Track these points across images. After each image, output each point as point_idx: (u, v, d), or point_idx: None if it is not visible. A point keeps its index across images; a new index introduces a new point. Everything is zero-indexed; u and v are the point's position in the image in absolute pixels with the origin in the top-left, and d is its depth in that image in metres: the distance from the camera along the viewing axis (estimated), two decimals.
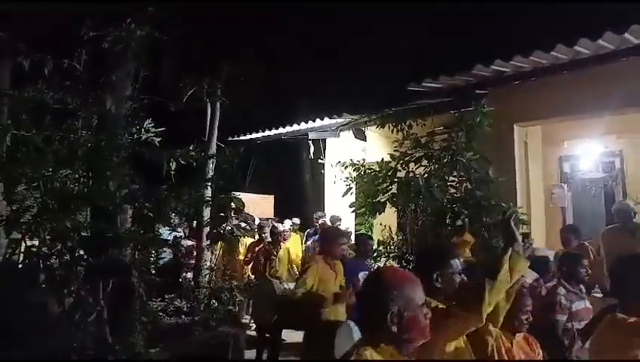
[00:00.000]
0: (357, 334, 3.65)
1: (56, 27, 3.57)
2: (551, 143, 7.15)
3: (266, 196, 9.15)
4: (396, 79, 6.27)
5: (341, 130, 7.93)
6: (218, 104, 7.18)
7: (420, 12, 6.27)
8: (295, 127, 7.88)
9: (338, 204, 8.72)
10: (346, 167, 6.99)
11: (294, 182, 10.10)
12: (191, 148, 6.83)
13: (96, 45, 3.66)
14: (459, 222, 4.81)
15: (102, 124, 4.08)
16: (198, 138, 7.13)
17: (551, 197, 7.64)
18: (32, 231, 4.08)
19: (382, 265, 5.70)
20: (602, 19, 4.08)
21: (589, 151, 8.19)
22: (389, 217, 6.87)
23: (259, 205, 8.57)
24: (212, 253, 6.61)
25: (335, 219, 7.98)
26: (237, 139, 8.32)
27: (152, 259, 5.21)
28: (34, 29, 3.51)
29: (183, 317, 6.07)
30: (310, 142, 8.54)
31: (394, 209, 6.36)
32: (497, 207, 5.20)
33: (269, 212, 9.14)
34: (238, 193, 5.90)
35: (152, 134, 5.86)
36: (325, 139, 8.70)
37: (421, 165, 5.65)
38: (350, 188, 6.73)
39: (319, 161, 8.75)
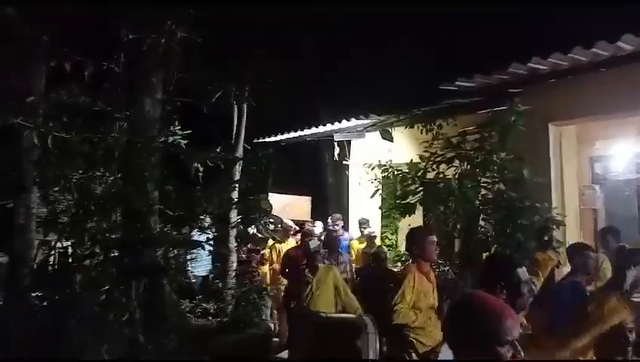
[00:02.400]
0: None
1: (95, 28, 3.60)
2: (582, 143, 6.97)
3: (302, 197, 8.99)
4: (426, 78, 6.17)
5: (367, 131, 7.85)
6: (245, 106, 7.18)
7: (453, 9, 6.16)
8: (321, 128, 7.84)
9: (363, 207, 8.66)
10: (373, 168, 6.92)
11: (319, 184, 10.06)
12: (218, 150, 6.88)
13: (134, 47, 3.68)
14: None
15: (138, 126, 4.11)
16: (226, 140, 7.15)
17: (582, 198, 7.45)
18: (67, 232, 4.13)
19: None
20: None
21: (622, 151, 7.97)
22: (414, 220, 6.77)
23: (295, 207, 8.44)
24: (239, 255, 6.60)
25: (336, 218, 7.60)
26: (262, 141, 8.33)
27: (182, 259, 5.24)
28: (71, 30, 3.55)
29: (210, 318, 6.08)
30: (335, 143, 8.49)
31: (420, 211, 6.25)
32: (532, 208, 5.07)
33: (306, 214, 8.93)
34: (271, 194, 5.88)
35: (179, 137, 5.92)
36: (350, 141, 8.65)
37: (452, 166, 5.55)
38: (378, 190, 6.65)
39: (344, 162, 8.69)
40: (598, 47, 4.34)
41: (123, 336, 4.02)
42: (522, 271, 2.19)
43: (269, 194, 7.69)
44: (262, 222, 5.73)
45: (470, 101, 5.90)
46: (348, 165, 8.69)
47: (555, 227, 5.11)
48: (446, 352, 3.52)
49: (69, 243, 4.29)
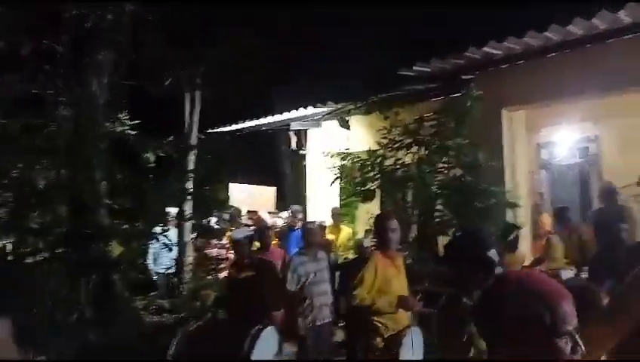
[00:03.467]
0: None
1: (34, 2, 3.28)
2: (530, 130, 7.22)
3: (267, 188, 8.75)
4: (382, 65, 6.16)
5: (324, 120, 7.79)
6: (198, 94, 6.93)
7: None
8: (277, 117, 7.69)
9: (320, 196, 8.61)
10: (332, 156, 6.86)
11: (279, 174, 9.89)
12: (171, 139, 6.58)
13: (78, 25, 3.38)
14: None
15: (84, 112, 3.81)
16: (178, 129, 6.88)
17: (530, 182, 7.75)
18: (8, 227, 3.80)
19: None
20: None
21: (565, 137, 8.38)
22: (371, 208, 6.79)
23: (259, 197, 8.21)
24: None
25: (297, 211, 7.29)
26: (217, 130, 8.07)
27: (135, 254, 4.99)
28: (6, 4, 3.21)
29: (166, 315, 5.84)
30: (291, 132, 8.36)
31: (378, 198, 6.26)
32: (487, 191, 5.19)
33: (271, 205, 8.69)
34: (233, 185, 5.67)
35: (128, 127, 5.61)
36: (307, 130, 8.55)
37: (410, 152, 5.59)
38: (338, 178, 6.61)
39: (301, 151, 8.58)
40: (550, 31, 4.47)
41: (73, 336, 3.77)
42: (493, 253, 2.18)
43: (231, 184, 7.47)
44: (218, 213, 5.54)
45: (427, 87, 5.96)
46: (305, 154, 8.60)
47: (509, 210, 5.28)
48: (412, 336, 3.54)
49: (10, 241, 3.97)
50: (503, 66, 5.36)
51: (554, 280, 1.27)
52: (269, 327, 3.74)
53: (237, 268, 4.18)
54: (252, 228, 5.85)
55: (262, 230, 5.37)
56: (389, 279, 3.57)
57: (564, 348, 1.13)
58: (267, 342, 3.67)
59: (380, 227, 3.71)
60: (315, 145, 8.53)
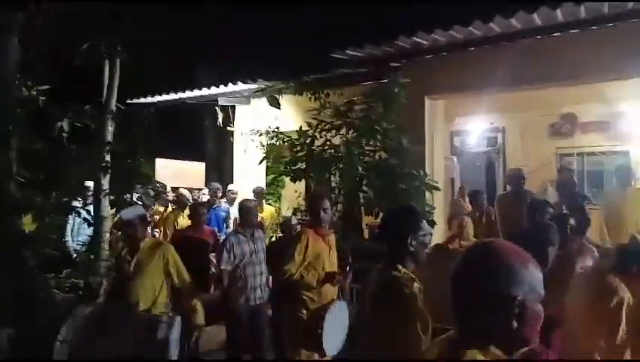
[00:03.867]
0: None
1: None
2: (445, 118, 7.74)
3: (196, 163, 8.46)
4: (314, 47, 6.22)
5: (253, 97, 7.70)
6: (118, 62, 6.49)
7: None
8: (204, 91, 7.45)
9: (247, 174, 8.54)
10: (261, 135, 6.84)
11: (203, 150, 9.61)
12: (87, 107, 6.13)
13: None
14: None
15: None
16: (96, 98, 6.42)
17: (444, 168, 8.33)
18: None
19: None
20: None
21: (476, 127, 9.10)
22: (297, 186, 6.89)
23: (187, 173, 7.92)
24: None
25: (216, 189, 7.32)
26: (137, 101, 7.62)
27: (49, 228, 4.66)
28: None
29: (81, 293, 5.53)
30: (218, 108, 8.15)
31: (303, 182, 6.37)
32: (410, 175, 5.52)
33: (200, 181, 8.42)
34: (159, 159, 5.42)
35: (35, 92, 5.16)
36: (234, 106, 8.39)
37: (339, 134, 5.75)
38: (266, 157, 6.61)
39: (228, 128, 8.42)
40: (473, 26, 4.81)
41: None
42: (425, 224, 2.36)
43: (158, 159, 7.15)
44: (142, 188, 5.30)
45: (357, 72, 6.12)
46: (232, 131, 8.45)
47: (428, 192, 5.65)
48: (336, 309, 3.70)
49: None
50: (429, 56, 5.67)
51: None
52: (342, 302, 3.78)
53: (130, 251, 3.68)
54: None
55: (194, 207, 5.23)
56: (318, 255, 3.72)
57: (541, 312, 1.20)
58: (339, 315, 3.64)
59: (314, 205, 3.84)
60: (242, 122, 8.42)
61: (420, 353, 1.92)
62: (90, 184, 5.41)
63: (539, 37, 4.92)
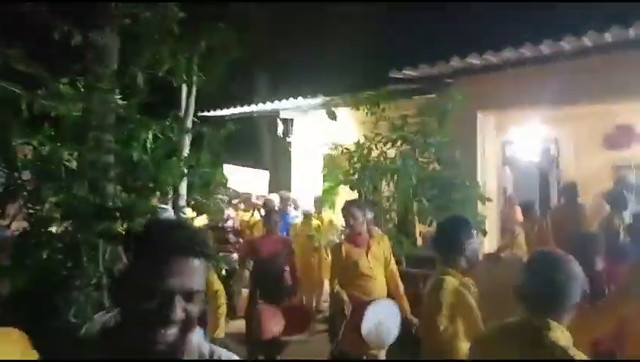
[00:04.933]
0: None
1: None
2: (497, 129, 7.95)
3: (261, 171, 9.04)
4: (370, 63, 6.67)
5: (314, 110, 8.25)
6: (194, 78, 7.21)
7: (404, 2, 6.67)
8: (269, 105, 8.09)
9: (304, 182, 9.09)
10: (320, 146, 7.34)
11: (264, 159, 10.28)
12: (168, 121, 6.90)
13: None
14: None
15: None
16: (173, 111, 7.16)
17: (497, 178, 8.50)
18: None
19: None
20: (566, 22, 4.76)
21: (529, 137, 9.17)
22: (350, 195, 7.33)
23: (253, 181, 8.51)
24: None
25: (286, 197, 7.73)
26: (207, 114, 8.36)
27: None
28: None
29: None
30: (279, 120, 8.77)
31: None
32: (463, 186, 5.84)
33: (264, 188, 8.95)
34: (228, 166, 5.96)
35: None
36: (293, 118, 8.98)
37: (395, 146, 6.15)
38: (325, 167, 7.11)
39: (287, 139, 9.02)
40: (524, 48, 5.11)
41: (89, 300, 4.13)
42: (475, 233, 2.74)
43: (226, 165, 7.77)
44: (218, 194, 5.93)
45: (411, 88, 6.51)
46: (291, 142, 9.04)
47: (482, 203, 5.94)
48: (376, 307, 3.99)
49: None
50: (481, 75, 5.98)
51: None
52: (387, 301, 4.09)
53: None
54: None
55: (268, 214, 5.54)
56: (355, 262, 4.09)
57: None
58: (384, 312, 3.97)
59: (344, 217, 4.28)
60: (300, 133, 8.98)
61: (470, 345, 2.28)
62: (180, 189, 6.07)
63: (586, 58, 5.13)
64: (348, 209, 4.25)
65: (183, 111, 7.31)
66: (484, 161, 6.68)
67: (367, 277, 4.11)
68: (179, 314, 1.05)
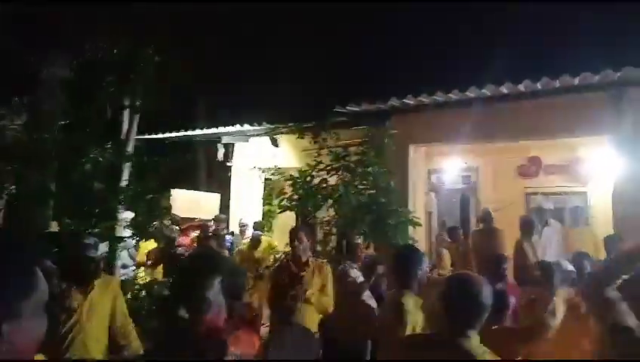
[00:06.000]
0: None
1: None
2: (425, 158, 8.69)
3: (211, 194, 8.92)
4: (314, 95, 7.10)
5: (258, 135, 8.51)
6: (139, 104, 7.22)
7: (350, 39, 7.18)
8: (213, 130, 8.22)
9: (243, 208, 9.23)
10: (263, 171, 7.61)
11: (203, 183, 10.27)
12: (108, 146, 6.84)
13: None
14: None
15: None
16: (115, 136, 7.10)
17: (424, 203, 9.22)
18: None
19: None
20: (487, 72, 5.52)
21: (452, 166, 10.05)
22: (288, 220, 7.63)
23: (203, 204, 8.42)
24: None
25: (221, 220, 7.93)
26: (146, 137, 8.29)
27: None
28: None
29: None
30: (219, 145, 8.89)
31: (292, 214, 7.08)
32: (396, 211, 6.36)
33: (215, 212, 8.86)
34: (175, 190, 6.00)
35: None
36: (234, 143, 9.15)
37: (336, 174, 6.57)
38: (267, 192, 7.38)
39: (227, 164, 9.15)
40: (452, 93, 5.79)
41: None
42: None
43: (174, 190, 7.72)
44: (162, 220, 5.96)
45: (351, 119, 7.02)
46: (231, 166, 9.19)
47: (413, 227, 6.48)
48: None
49: None
50: (414, 112, 6.64)
51: None
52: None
53: None
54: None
55: (200, 239, 5.74)
56: (294, 285, 4.09)
57: None
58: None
59: (289, 240, 4.42)
60: (240, 158, 9.17)
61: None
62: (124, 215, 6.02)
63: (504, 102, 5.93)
64: (291, 234, 4.40)
65: (124, 135, 7.29)
66: (414, 188, 7.29)
67: (305, 302, 4.13)
68: None
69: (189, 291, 1.53)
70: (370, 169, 6.29)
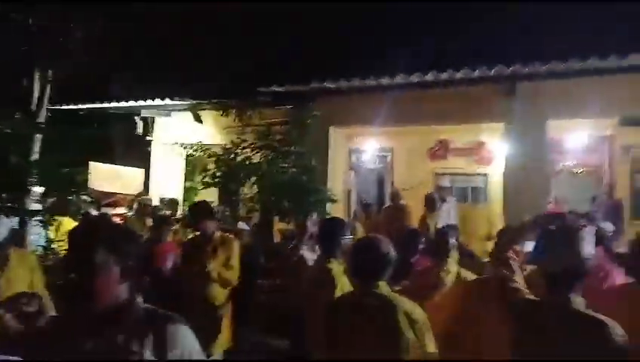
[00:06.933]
0: None
1: None
2: (345, 139, 9.14)
3: (135, 169, 8.47)
4: (242, 76, 7.15)
5: (180, 110, 8.39)
6: (50, 72, 6.84)
7: (278, 21, 7.26)
8: (132, 102, 7.96)
9: (164, 183, 9.10)
10: (185, 147, 7.57)
11: (121, 158, 9.90)
12: (17, 115, 6.48)
13: None
14: None
15: None
16: (25, 105, 6.69)
17: (344, 182, 9.72)
18: None
19: None
20: (399, 62, 5.98)
21: (370, 147, 10.62)
22: (206, 195, 7.72)
23: (125, 179, 8.04)
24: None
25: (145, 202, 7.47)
26: (62, 108, 7.83)
27: None
28: None
29: None
30: (137, 118, 8.64)
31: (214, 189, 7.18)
32: (317, 189, 6.73)
33: (139, 187, 8.52)
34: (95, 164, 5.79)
35: None
36: (154, 117, 8.94)
37: (259, 152, 6.77)
38: (190, 168, 7.39)
39: (147, 138, 8.93)
40: (368, 80, 6.21)
41: None
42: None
43: (92, 163, 7.38)
44: (79, 194, 5.81)
45: (275, 99, 7.21)
46: (150, 141, 8.99)
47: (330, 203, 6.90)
48: None
49: None
50: (335, 95, 7.00)
51: None
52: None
53: None
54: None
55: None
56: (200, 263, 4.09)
57: None
58: None
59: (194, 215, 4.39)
60: (161, 133, 8.99)
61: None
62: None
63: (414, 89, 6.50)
64: (198, 210, 4.34)
65: (34, 105, 6.89)
66: (334, 167, 7.70)
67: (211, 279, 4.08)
68: None
69: (76, 256, 1.58)
70: (292, 148, 6.57)
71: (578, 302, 1.96)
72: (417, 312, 2.32)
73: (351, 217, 9.75)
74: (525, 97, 6.35)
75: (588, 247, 1.99)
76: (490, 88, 6.42)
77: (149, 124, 8.91)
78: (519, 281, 2.37)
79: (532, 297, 2.20)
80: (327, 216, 6.39)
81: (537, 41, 5.64)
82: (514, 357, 2.10)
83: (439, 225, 5.59)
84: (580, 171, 9.05)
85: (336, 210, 7.51)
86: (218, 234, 4.26)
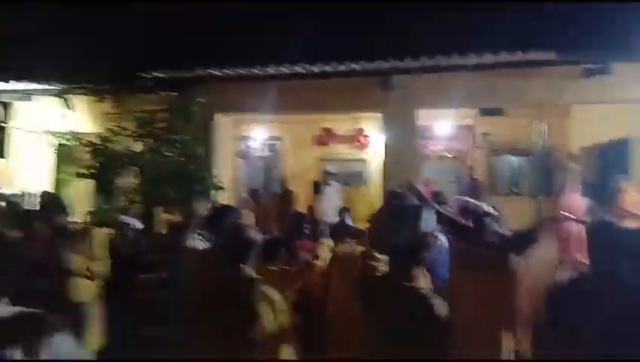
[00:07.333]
0: None
1: None
2: (234, 127, 9.08)
3: None
4: (120, 58, 6.68)
5: (43, 95, 7.56)
6: None
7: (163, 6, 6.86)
8: None
9: (27, 175, 8.13)
10: (54, 135, 6.87)
11: None
12: None
13: None
14: None
15: None
16: None
17: (232, 169, 9.66)
18: None
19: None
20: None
21: (259, 134, 10.67)
22: (82, 187, 7.16)
23: None
24: None
25: None
26: None
27: None
28: None
29: None
30: None
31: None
32: (204, 177, 6.61)
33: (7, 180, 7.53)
34: None
35: None
36: (12, 102, 7.95)
37: (141, 141, 6.42)
38: (60, 157, 6.73)
39: (2, 124, 7.89)
40: (255, 68, 6.25)
41: None
42: None
43: None
44: None
45: (157, 85, 6.87)
46: (10, 128, 7.99)
47: (216, 191, 6.82)
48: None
49: None
50: (220, 82, 6.90)
51: None
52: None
53: None
54: None
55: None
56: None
57: None
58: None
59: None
60: (22, 119, 8.03)
61: None
62: None
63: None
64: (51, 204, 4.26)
65: None
66: (221, 155, 7.62)
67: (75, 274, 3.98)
68: None
69: None
70: (177, 136, 6.35)
71: (416, 275, 2.18)
72: (273, 293, 2.48)
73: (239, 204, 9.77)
74: (399, 89, 6.90)
75: (426, 223, 2.25)
76: (368, 80, 6.85)
77: (5, 110, 7.90)
78: (380, 258, 2.61)
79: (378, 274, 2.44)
80: (216, 204, 6.35)
81: (411, 39, 6.21)
82: (365, 332, 2.30)
83: (323, 208, 5.91)
84: (446, 155, 10.08)
85: (225, 198, 7.46)
86: (77, 226, 4.22)
